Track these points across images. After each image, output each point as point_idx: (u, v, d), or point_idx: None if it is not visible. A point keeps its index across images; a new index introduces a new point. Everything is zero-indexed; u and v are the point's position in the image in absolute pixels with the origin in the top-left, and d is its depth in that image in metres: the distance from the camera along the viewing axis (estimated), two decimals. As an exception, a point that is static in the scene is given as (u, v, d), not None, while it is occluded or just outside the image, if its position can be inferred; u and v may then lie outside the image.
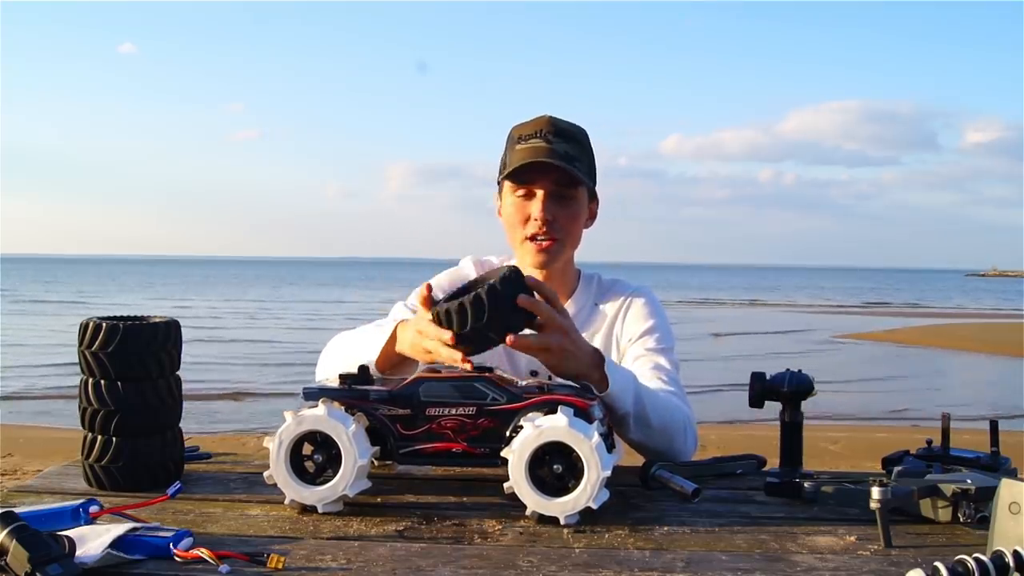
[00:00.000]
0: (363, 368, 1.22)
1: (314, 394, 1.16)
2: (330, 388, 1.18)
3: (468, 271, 1.64)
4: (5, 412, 8.25)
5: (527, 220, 1.51)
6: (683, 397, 1.48)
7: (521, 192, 1.50)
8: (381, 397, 1.16)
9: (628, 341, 1.58)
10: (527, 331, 1.21)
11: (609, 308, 1.61)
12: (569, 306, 1.57)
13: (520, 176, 1.48)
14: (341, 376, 1.19)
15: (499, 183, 1.57)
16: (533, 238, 1.51)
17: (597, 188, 1.60)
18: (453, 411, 1.15)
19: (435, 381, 1.16)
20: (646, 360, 1.53)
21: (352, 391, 1.17)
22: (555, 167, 1.45)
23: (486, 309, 1.13)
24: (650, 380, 1.46)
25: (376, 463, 1.26)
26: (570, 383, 1.23)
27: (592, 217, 1.61)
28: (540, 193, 1.49)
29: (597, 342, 1.56)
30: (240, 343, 15.25)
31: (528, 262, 1.54)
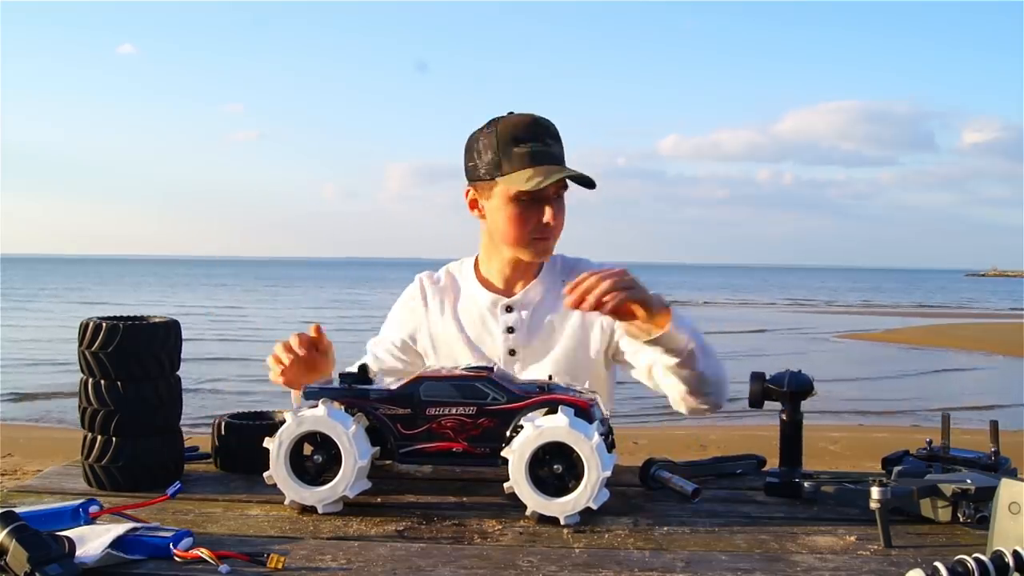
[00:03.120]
0: (363, 367, 1.22)
1: (314, 393, 1.17)
2: (330, 387, 1.18)
3: (416, 293, 1.70)
4: (5, 412, 8.25)
5: (535, 224, 1.53)
6: None
7: (527, 199, 1.51)
8: (381, 396, 1.17)
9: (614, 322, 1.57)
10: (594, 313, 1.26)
11: None
12: (536, 286, 1.63)
13: (540, 190, 1.49)
14: (341, 375, 1.19)
15: (482, 180, 1.54)
16: (538, 239, 1.55)
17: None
18: (453, 411, 1.15)
19: (435, 380, 1.16)
20: None
21: (352, 390, 1.17)
22: (568, 178, 1.49)
23: None
24: None
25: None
26: (570, 385, 1.23)
27: None
28: (550, 201, 1.53)
29: (574, 319, 1.60)
30: (239, 343, 15.25)
31: (526, 257, 1.59)
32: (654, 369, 1.50)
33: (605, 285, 1.25)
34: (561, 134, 1.56)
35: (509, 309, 1.62)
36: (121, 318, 1.27)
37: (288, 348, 1.37)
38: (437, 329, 1.66)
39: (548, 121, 1.54)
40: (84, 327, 1.22)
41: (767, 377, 1.29)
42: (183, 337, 1.31)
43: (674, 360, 1.38)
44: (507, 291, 1.64)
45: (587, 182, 1.51)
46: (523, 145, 1.49)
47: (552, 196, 1.52)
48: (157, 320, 1.27)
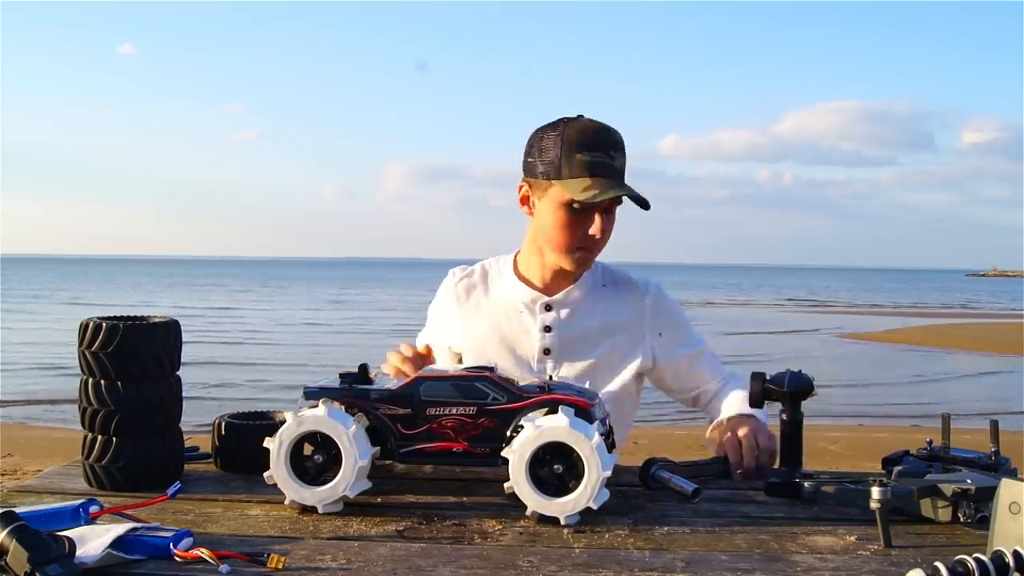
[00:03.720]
0: (363, 367, 1.22)
1: (315, 393, 1.17)
2: (331, 387, 1.18)
3: (450, 290, 1.71)
4: (5, 412, 8.25)
5: (582, 234, 1.52)
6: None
7: (579, 207, 1.49)
8: (382, 396, 1.16)
9: (666, 339, 1.66)
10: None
11: (624, 294, 1.67)
12: (577, 289, 1.64)
13: (592, 201, 1.47)
14: (341, 375, 1.19)
15: (539, 178, 1.53)
16: (582, 249, 1.54)
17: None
18: (453, 411, 1.15)
19: (435, 381, 1.16)
20: (700, 357, 1.69)
21: (352, 390, 1.17)
22: (626, 196, 1.49)
23: None
24: (713, 369, 1.69)
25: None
26: (571, 383, 1.23)
27: None
28: (600, 213, 1.50)
29: (615, 325, 1.63)
30: (241, 343, 15.25)
31: (567, 266, 1.57)
32: (701, 398, 1.68)
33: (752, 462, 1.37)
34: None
35: (548, 308, 1.61)
36: (121, 318, 1.27)
37: (408, 360, 1.43)
38: (469, 324, 1.65)
39: (618, 133, 1.51)
40: (84, 327, 1.22)
41: (767, 377, 1.29)
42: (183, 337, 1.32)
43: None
44: (546, 291, 1.63)
45: (643, 203, 1.50)
46: (587, 153, 1.47)
47: (604, 209, 1.50)
48: (157, 320, 1.27)
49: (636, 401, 1.70)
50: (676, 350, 1.66)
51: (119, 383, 1.21)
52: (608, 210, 1.52)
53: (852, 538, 1.05)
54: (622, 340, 1.62)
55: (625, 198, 1.51)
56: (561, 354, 1.60)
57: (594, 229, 1.50)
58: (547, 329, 1.60)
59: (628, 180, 1.52)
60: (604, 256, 1.63)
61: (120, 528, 0.96)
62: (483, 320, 1.64)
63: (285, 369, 11.76)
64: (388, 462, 1.24)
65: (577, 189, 1.45)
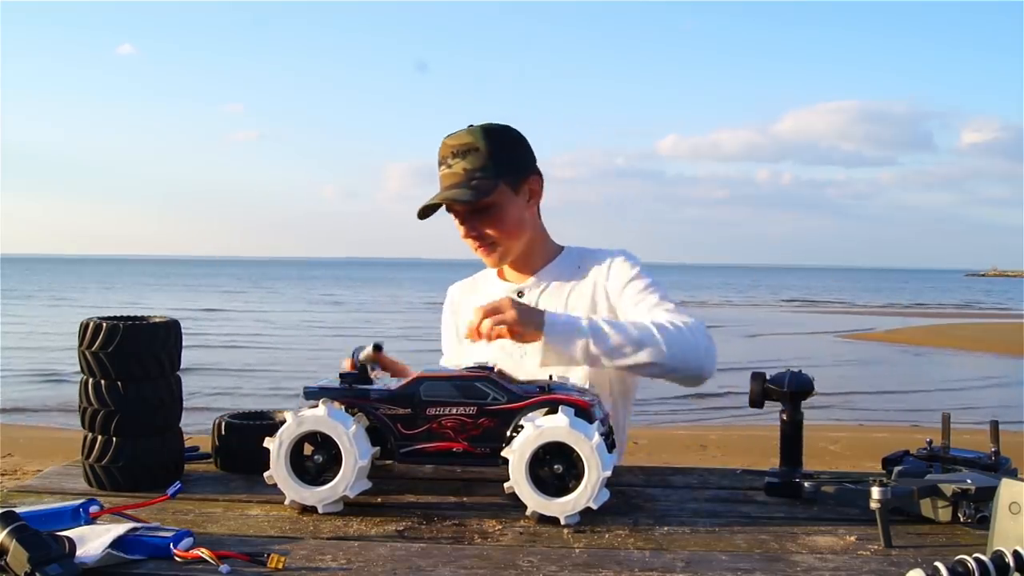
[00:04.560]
0: (363, 367, 1.22)
1: (315, 392, 1.17)
2: (331, 387, 1.18)
3: (448, 305, 1.79)
4: (5, 412, 8.25)
5: (463, 236, 1.60)
6: (683, 313, 1.51)
7: (432, 215, 1.59)
8: (382, 396, 1.17)
9: (617, 294, 1.60)
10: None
11: (593, 271, 1.65)
12: (547, 273, 1.65)
13: (430, 212, 1.57)
14: (342, 375, 1.20)
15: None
16: (478, 248, 1.60)
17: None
18: (453, 410, 1.15)
19: (435, 380, 1.16)
20: (640, 300, 1.56)
21: (353, 390, 1.17)
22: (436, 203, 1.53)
23: None
24: (647, 314, 1.51)
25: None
26: (572, 384, 1.23)
27: (534, 195, 1.63)
28: (457, 219, 1.57)
29: (584, 296, 1.61)
30: (240, 342, 15.25)
31: (488, 265, 1.66)
32: None
33: (485, 322, 1.33)
34: (506, 132, 1.57)
35: (520, 295, 1.64)
36: (121, 318, 1.27)
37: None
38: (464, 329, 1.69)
39: (462, 135, 1.54)
40: (84, 327, 1.22)
41: (767, 377, 1.29)
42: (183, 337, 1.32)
43: (590, 366, 1.41)
44: (520, 282, 1.67)
45: (468, 201, 1.51)
46: (439, 166, 1.57)
47: (466, 212, 1.56)
48: (157, 320, 1.27)
49: (627, 391, 1.66)
50: (615, 293, 1.61)
51: (119, 383, 1.21)
52: (460, 214, 1.56)
53: (852, 538, 1.05)
54: (589, 308, 1.60)
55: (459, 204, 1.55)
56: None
57: (460, 234, 1.59)
58: None
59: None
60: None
61: (120, 528, 0.96)
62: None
63: (285, 368, 11.76)
64: (388, 462, 1.24)
65: (422, 207, 1.56)
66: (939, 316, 25.92)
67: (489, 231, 1.57)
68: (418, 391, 1.16)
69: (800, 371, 1.29)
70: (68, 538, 0.89)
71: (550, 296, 1.63)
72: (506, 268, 1.69)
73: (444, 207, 1.56)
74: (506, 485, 1.10)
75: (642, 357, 1.37)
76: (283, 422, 1.13)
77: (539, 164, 1.63)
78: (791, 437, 1.29)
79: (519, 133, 1.61)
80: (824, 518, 1.14)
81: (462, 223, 1.57)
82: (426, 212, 1.57)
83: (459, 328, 1.72)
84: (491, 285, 1.71)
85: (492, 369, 1.19)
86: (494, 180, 1.53)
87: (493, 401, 1.14)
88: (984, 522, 1.02)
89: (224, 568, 0.90)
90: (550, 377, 1.26)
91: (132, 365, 1.21)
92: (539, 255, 1.67)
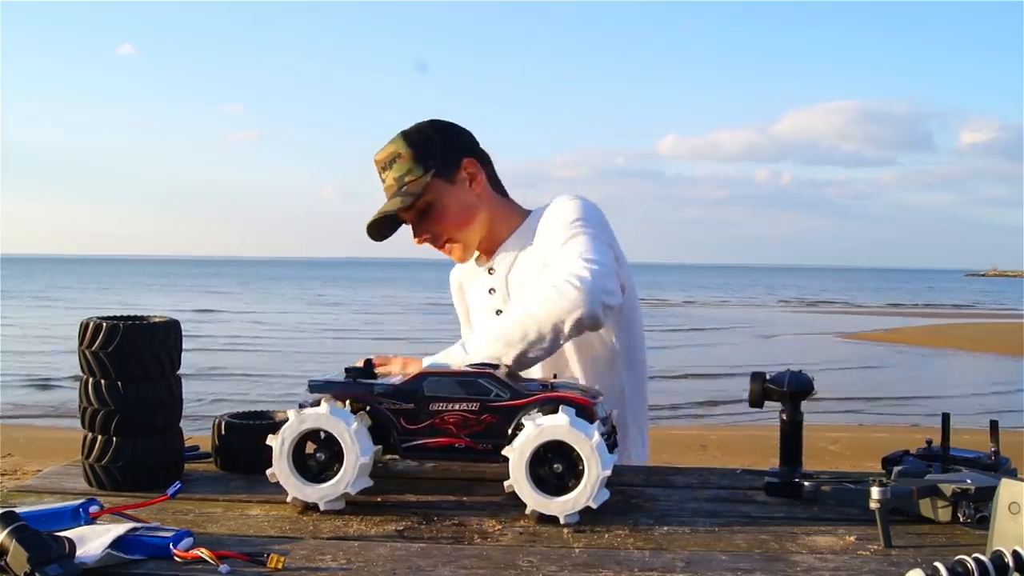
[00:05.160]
0: (368, 362, 1.22)
1: (319, 386, 1.17)
2: (335, 381, 1.18)
3: (454, 283, 1.80)
4: (5, 412, 8.25)
5: (418, 243, 1.62)
6: (580, 260, 1.36)
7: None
8: (385, 391, 1.17)
9: (546, 247, 1.50)
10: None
11: (540, 227, 1.57)
12: (510, 244, 1.62)
13: (385, 231, 1.61)
14: (347, 369, 1.20)
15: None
16: (441, 250, 1.63)
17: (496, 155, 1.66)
18: (456, 406, 1.15)
19: (439, 377, 1.17)
20: (552, 256, 1.45)
21: (356, 384, 1.18)
22: (387, 219, 1.55)
23: None
24: (545, 276, 1.39)
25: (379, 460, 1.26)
26: (574, 382, 1.23)
27: (473, 178, 1.59)
28: (412, 225, 1.59)
29: (540, 241, 1.54)
30: (240, 342, 15.25)
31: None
32: None
33: None
34: (426, 128, 1.59)
35: (491, 271, 1.64)
36: (121, 318, 1.27)
37: None
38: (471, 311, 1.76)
39: (388, 144, 1.55)
40: (84, 327, 1.22)
41: (767, 377, 1.29)
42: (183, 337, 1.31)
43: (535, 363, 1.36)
44: (487, 261, 1.67)
45: (395, 211, 1.52)
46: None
47: (411, 220, 1.58)
48: (157, 320, 1.27)
49: (622, 347, 1.60)
50: (549, 249, 1.49)
51: (119, 383, 1.21)
52: (418, 214, 1.57)
53: (852, 538, 1.05)
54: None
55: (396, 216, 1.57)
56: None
57: (413, 240, 1.61)
58: (491, 291, 1.64)
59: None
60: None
61: (120, 528, 0.96)
62: (471, 302, 1.74)
63: (285, 370, 11.76)
64: (388, 457, 1.24)
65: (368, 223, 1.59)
66: (939, 316, 25.92)
67: (437, 228, 1.58)
68: (421, 387, 1.16)
69: (800, 371, 1.29)
70: (68, 538, 0.89)
71: (515, 270, 1.60)
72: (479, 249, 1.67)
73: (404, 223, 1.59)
74: (506, 484, 1.10)
75: (540, 344, 1.30)
76: (284, 421, 1.13)
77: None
78: (791, 437, 1.29)
79: (442, 123, 1.60)
80: (824, 518, 1.14)
81: (413, 230, 1.59)
82: (379, 233, 1.59)
83: (468, 310, 1.77)
84: (473, 266, 1.70)
85: (496, 367, 1.20)
86: (423, 179, 1.54)
87: (496, 398, 1.14)
88: (984, 522, 1.02)
89: (224, 568, 0.90)
90: (554, 375, 1.26)
91: (132, 365, 1.21)
92: (503, 229, 1.63)
